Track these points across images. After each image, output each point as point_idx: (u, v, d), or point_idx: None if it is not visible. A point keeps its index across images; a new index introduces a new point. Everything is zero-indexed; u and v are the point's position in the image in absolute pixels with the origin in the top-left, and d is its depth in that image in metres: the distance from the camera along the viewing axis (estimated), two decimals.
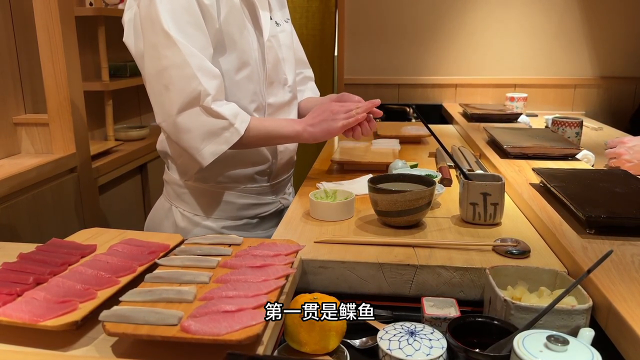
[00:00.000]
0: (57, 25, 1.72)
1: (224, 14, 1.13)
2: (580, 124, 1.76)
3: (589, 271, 0.68)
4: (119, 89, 2.31)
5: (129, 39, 1.14)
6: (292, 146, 1.36)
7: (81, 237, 0.92)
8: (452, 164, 1.54)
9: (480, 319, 0.75)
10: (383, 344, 0.69)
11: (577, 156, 1.52)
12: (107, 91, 2.23)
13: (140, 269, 0.77)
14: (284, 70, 1.29)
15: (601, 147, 1.61)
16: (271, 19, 1.26)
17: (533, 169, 1.27)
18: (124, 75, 2.42)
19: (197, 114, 1.06)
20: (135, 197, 2.40)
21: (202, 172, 1.22)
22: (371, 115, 1.27)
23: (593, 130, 2.25)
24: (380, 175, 1.16)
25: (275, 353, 0.73)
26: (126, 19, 1.15)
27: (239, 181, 1.26)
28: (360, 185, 1.33)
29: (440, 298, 0.85)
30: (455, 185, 1.37)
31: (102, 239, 0.90)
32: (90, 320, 0.67)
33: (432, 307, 0.83)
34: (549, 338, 0.62)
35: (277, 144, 1.26)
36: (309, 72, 1.54)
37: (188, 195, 1.26)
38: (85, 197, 1.92)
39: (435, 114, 2.80)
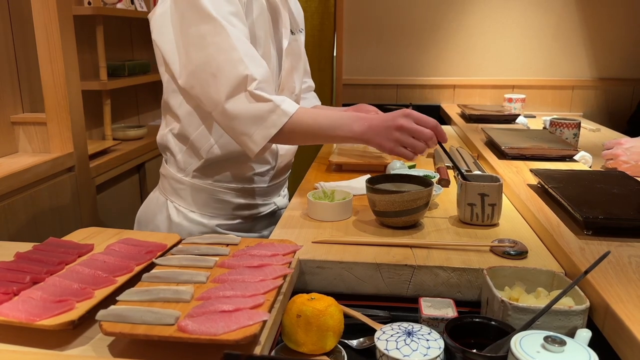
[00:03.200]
0: (56, 24, 1.72)
1: (255, 14, 1.13)
2: (578, 125, 1.76)
3: (586, 272, 0.68)
4: (117, 88, 2.30)
5: (159, 35, 1.12)
6: (293, 149, 1.36)
7: (78, 236, 0.92)
8: (450, 164, 1.54)
9: (477, 320, 0.75)
10: (380, 344, 0.69)
11: (575, 157, 1.53)
12: (105, 90, 2.23)
13: (137, 269, 0.77)
14: (293, 78, 1.29)
15: (599, 149, 1.62)
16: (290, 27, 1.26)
17: (531, 170, 1.28)
18: (122, 74, 2.41)
19: (243, 100, 1.04)
20: (132, 196, 2.40)
21: (202, 170, 1.22)
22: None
23: (591, 131, 2.26)
24: (379, 175, 1.16)
25: (273, 353, 0.73)
26: (158, 12, 1.12)
27: (237, 181, 1.26)
28: (358, 185, 1.33)
29: (438, 299, 0.85)
30: (453, 186, 1.37)
31: (99, 239, 0.90)
32: (87, 320, 0.67)
33: (429, 307, 0.83)
34: (546, 339, 0.62)
35: (325, 141, 1.14)
36: (311, 82, 1.54)
37: (185, 190, 1.25)
38: (82, 196, 1.91)
39: (433, 115, 2.78)
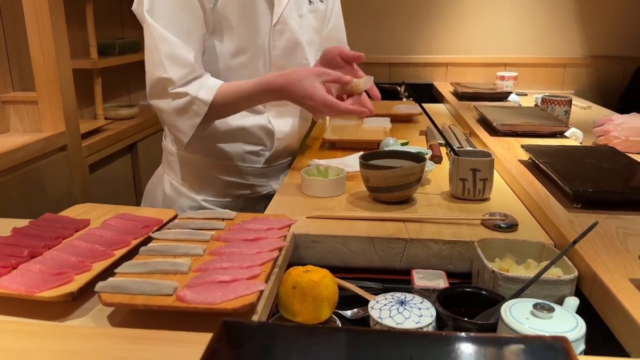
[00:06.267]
0: (44, 2, 1.69)
1: None
2: (569, 103, 1.78)
3: (575, 242, 0.70)
4: (107, 67, 2.28)
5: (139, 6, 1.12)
6: (293, 132, 1.32)
7: (74, 212, 0.92)
8: (443, 141, 1.55)
9: (468, 290, 0.77)
10: (374, 313, 0.71)
11: (566, 134, 1.54)
12: (95, 69, 2.21)
13: (134, 242, 0.78)
14: (305, 55, 1.24)
15: (590, 126, 1.63)
16: None
17: (522, 146, 1.29)
18: (112, 53, 2.39)
19: (164, 99, 1.08)
20: (125, 176, 2.40)
21: (193, 144, 1.20)
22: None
23: (582, 109, 2.27)
24: (372, 152, 1.17)
25: None
26: None
27: (228, 158, 1.25)
28: (351, 162, 1.34)
29: (430, 270, 0.87)
30: (446, 162, 1.38)
31: (95, 214, 0.90)
32: (85, 293, 0.68)
33: (421, 279, 0.85)
34: (535, 306, 0.64)
35: (254, 103, 1.17)
36: None
37: (176, 164, 1.27)
38: (75, 175, 1.91)
39: (426, 94, 2.80)
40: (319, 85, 1.06)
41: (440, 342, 0.49)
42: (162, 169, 1.33)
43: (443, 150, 1.49)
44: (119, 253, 0.74)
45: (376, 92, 1.18)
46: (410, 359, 0.46)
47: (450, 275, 0.87)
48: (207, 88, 1.08)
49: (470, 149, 1.36)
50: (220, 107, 1.10)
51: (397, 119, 1.89)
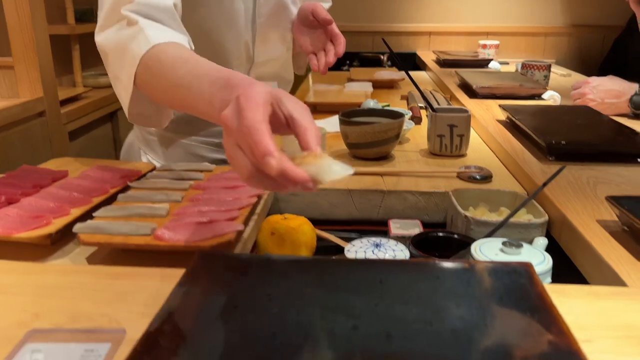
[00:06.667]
0: None
1: None
2: (549, 67, 1.79)
3: (544, 184, 0.72)
4: (85, 33, 2.24)
5: None
6: None
7: (52, 165, 0.92)
8: (423, 104, 1.57)
9: (441, 234, 0.79)
10: (350, 255, 0.72)
11: (544, 96, 1.56)
12: (73, 35, 2.17)
13: (112, 191, 0.78)
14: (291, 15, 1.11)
15: (568, 91, 1.65)
16: None
17: (500, 105, 1.31)
18: (90, 20, 2.34)
19: (114, 27, 0.79)
20: (106, 145, 2.38)
21: (173, 120, 0.95)
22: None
23: (562, 76, 2.29)
24: (352, 109, 1.17)
25: None
26: None
27: (214, 135, 1.13)
28: (331, 124, 1.34)
29: (406, 220, 0.89)
30: (425, 124, 1.40)
31: (73, 167, 0.90)
32: (64, 238, 0.69)
33: (398, 228, 0.87)
34: (504, 243, 0.66)
35: (185, 92, 0.65)
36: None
37: (155, 143, 1.13)
38: (55, 143, 1.89)
39: (409, 63, 2.80)
40: (265, 103, 0.53)
41: (408, 267, 0.50)
42: (137, 143, 1.18)
43: (423, 113, 1.50)
44: (96, 200, 0.75)
45: (325, 16, 1.05)
46: (380, 282, 0.47)
47: (425, 225, 0.89)
48: (163, 29, 0.76)
49: (448, 106, 1.38)
50: (154, 64, 0.71)
51: (379, 85, 1.90)
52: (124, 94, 0.78)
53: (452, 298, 0.46)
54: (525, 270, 0.49)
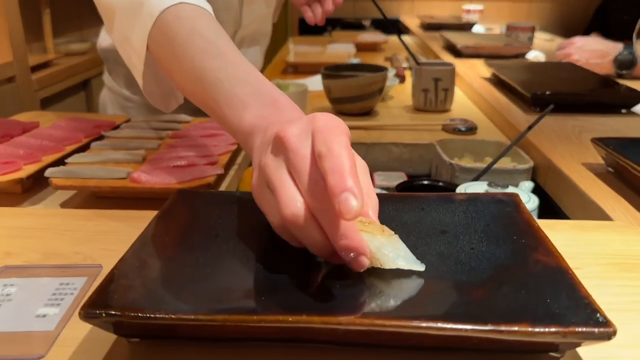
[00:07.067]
0: None
1: None
2: (533, 29, 1.78)
3: (530, 127, 0.71)
4: None
5: None
6: (258, 62, 1.13)
7: (22, 117, 0.89)
8: (407, 65, 1.55)
9: (426, 182, 0.77)
10: None
11: (528, 56, 1.55)
12: None
13: (85, 140, 0.75)
14: None
15: (552, 53, 1.64)
16: None
17: (485, 61, 1.29)
18: None
19: None
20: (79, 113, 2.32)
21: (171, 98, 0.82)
22: None
23: (545, 41, 2.28)
24: (334, 64, 1.15)
25: None
26: None
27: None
28: (314, 82, 1.32)
29: (391, 172, 0.88)
30: (409, 84, 1.38)
31: (44, 119, 0.87)
32: (36, 186, 0.66)
33: (382, 180, 0.86)
34: (489, 184, 0.65)
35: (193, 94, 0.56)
36: None
37: (134, 109, 1.05)
38: (26, 109, 1.83)
39: (392, 29, 2.76)
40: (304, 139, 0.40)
41: (392, 199, 0.49)
42: (110, 107, 1.09)
43: (408, 74, 1.48)
44: (69, 148, 0.72)
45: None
46: None
47: (410, 177, 0.88)
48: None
49: (433, 61, 1.36)
50: (168, 30, 0.57)
51: (362, 48, 1.87)
52: (136, 59, 0.61)
53: (437, 226, 0.45)
54: (511, 200, 0.47)
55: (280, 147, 0.39)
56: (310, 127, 0.39)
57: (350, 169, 0.35)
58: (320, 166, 0.36)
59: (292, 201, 0.37)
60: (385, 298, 0.36)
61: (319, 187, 0.36)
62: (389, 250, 0.37)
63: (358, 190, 0.34)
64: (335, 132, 0.37)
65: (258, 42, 1.13)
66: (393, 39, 2.14)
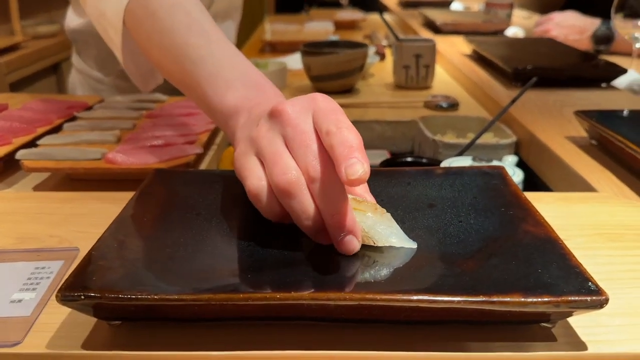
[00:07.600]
0: None
1: None
2: (511, 5, 1.77)
3: (514, 100, 0.70)
4: None
5: None
6: (231, 37, 1.12)
7: None
8: (387, 43, 1.53)
9: (409, 159, 0.77)
10: None
11: (506, 33, 1.55)
12: None
13: (57, 122, 0.72)
14: None
15: (531, 30, 1.64)
16: None
17: (465, 38, 1.28)
18: None
19: None
20: None
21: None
22: None
23: (524, 19, 2.28)
24: (314, 42, 1.13)
25: None
26: None
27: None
28: (292, 61, 1.30)
29: (374, 150, 0.87)
30: (389, 61, 1.36)
31: (13, 101, 0.83)
32: (7, 170, 0.64)
33: None
34: (474, 159, 0.65)
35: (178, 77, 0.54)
36: None
37: (107, 92, 1.01)
38: None
39: (372, 6, 2.73)
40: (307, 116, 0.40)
41: (379, 174, 0.48)
42: (80, 90, 1.05)
43: (388, 52, 1.46)
44: (41, 130, 0.69)
45: None
46: None
47: (393, 155, 0.87)
48: None
49: (413, 37, 1.35)
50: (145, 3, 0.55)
51: (340, 26, 1.84)
52: (113, 33, 0.58)
53: (424, 200, 0.44)
54: (497, 172, 0.47)
55: (277, 121, 0.39)
56: (311, 106, 0.39)
57: (359, 145, 0.36)
58: (327, 142, 0.36)
59: (288, 169, 0.36)
60: (375, 272, 0.35)
61: (317, 161, 0.36)
62: (381, 228, 0.37)
63: (365, 162, 0.34)
64: (339, 113, 0.39)
65: (231, 15, 1.11)
66: (372, 16, 2.12)
